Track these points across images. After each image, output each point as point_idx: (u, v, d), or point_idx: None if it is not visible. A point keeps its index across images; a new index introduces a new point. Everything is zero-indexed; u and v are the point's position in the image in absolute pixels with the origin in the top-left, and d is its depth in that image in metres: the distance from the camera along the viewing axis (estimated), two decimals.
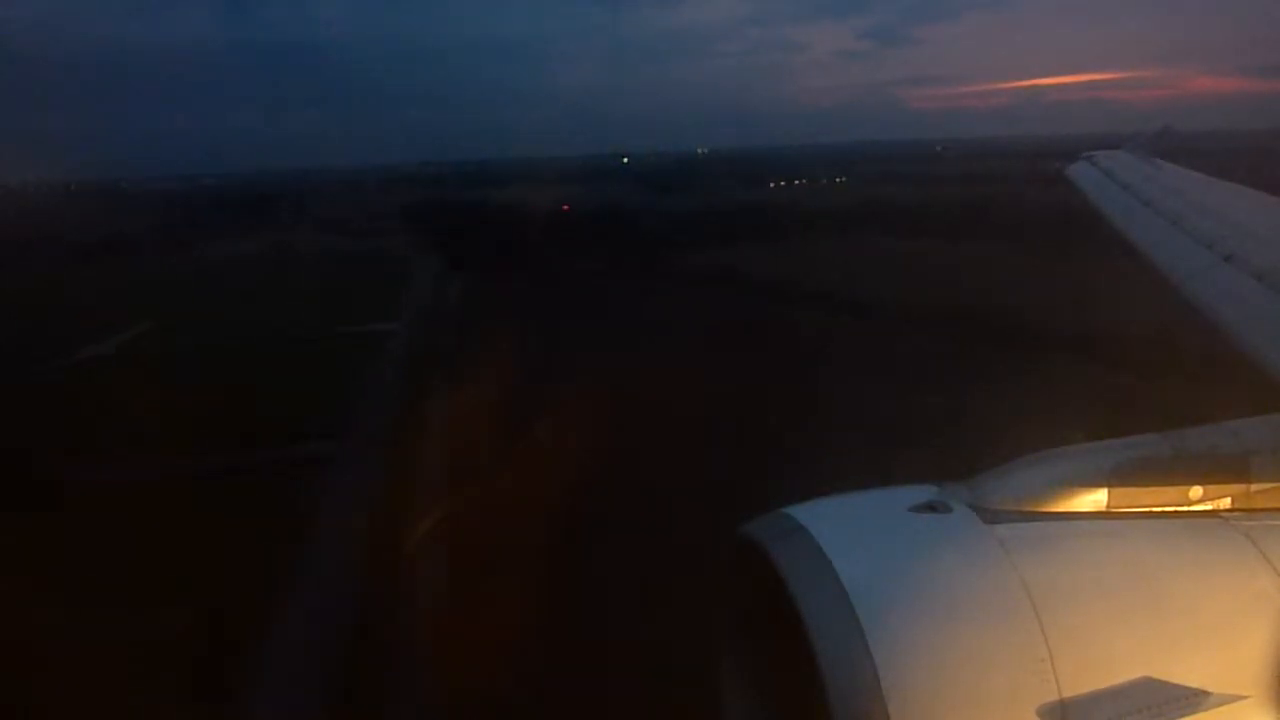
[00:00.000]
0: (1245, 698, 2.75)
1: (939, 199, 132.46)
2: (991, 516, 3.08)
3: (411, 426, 41.94)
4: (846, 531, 3.07)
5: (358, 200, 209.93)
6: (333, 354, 62.04)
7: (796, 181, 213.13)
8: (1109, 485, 3.36)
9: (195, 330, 72.75)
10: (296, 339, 67.34)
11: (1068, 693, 2.67)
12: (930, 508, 3.13)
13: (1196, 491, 3.49)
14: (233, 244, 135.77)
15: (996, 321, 52.51)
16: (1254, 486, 3.56)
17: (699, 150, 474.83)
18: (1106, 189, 11.85)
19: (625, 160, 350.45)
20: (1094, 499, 3.34)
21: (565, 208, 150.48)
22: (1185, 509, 3.46)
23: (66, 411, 47.28)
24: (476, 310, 73.96)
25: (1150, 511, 3.37)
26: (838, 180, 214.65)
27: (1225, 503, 3.53)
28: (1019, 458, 3.47)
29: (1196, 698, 2.72)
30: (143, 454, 37.72)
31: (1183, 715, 2.69)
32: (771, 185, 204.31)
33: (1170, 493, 3.46)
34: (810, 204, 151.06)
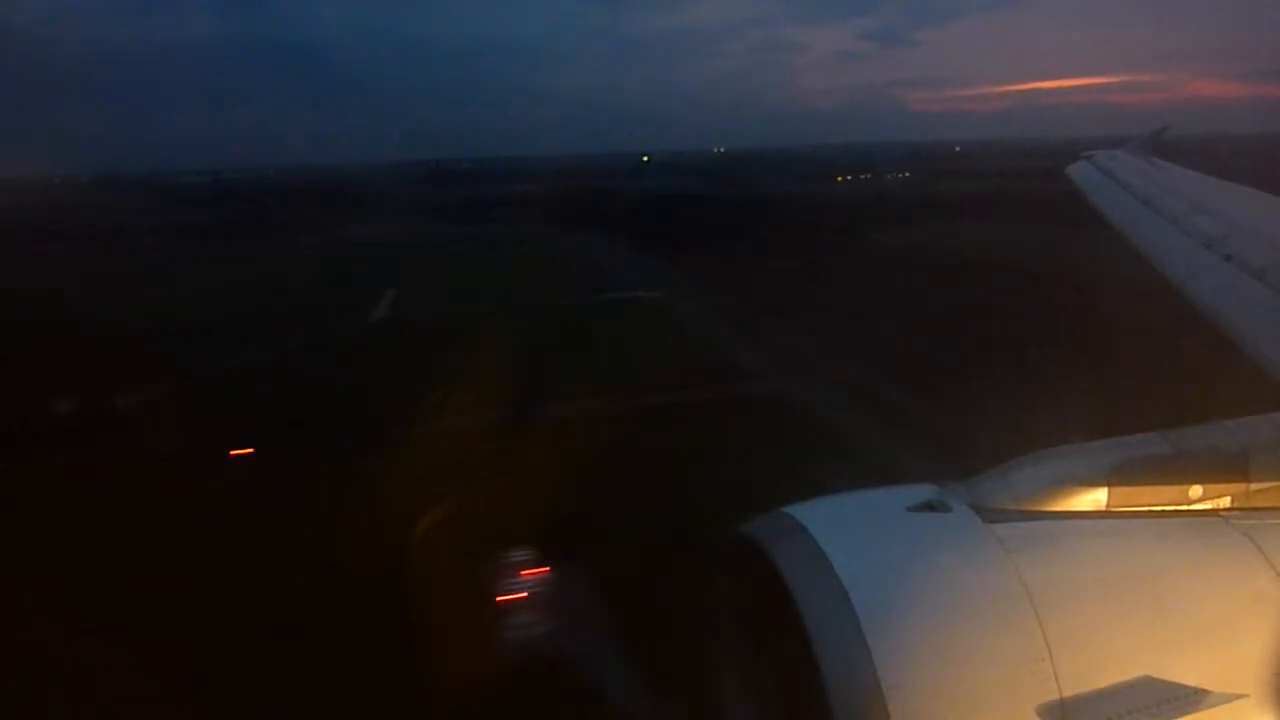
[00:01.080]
0: (1245, 697, 2.63)
1: (1030, 190, 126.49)
2: (991, 516, 2.96)
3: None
4: (846, 531, 2.95)
5: (438, 193, 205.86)
6: (634, 316, 60.63)
7: (862, 176, 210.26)
8: (1109, 484, 3.24)
9: (449, 300, 70.34)
10: (562, 306, 65.78)
11: (1067, 692, 2.56)
12: (930, 507, 3.00)
13: (1196, 490, 3.36)
14: (354, 229, 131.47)
15: None
16: (1254, 485, 3.42)
17: (716, 149, 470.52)
18: (1106, 188, 11.58)
19: (646, 159, 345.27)
20: (1094, 498, 3.22)
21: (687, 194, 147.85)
22: (1185, 508, 3.33)
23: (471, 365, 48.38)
24: (722, 280, 73.56)
25: (1150, 511, 3.24)
26: (903, 175, 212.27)
27: (1225, 502, 3.39)
28: (1019, 457, 3.34)
29: (1196, 697, 2.60)
30: (607, 399, 42.09)
31: (1182, 714, 2.57)
32: (839, 180, 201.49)
33: (1170, 492, 3.33)
34: (914, 197, 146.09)
